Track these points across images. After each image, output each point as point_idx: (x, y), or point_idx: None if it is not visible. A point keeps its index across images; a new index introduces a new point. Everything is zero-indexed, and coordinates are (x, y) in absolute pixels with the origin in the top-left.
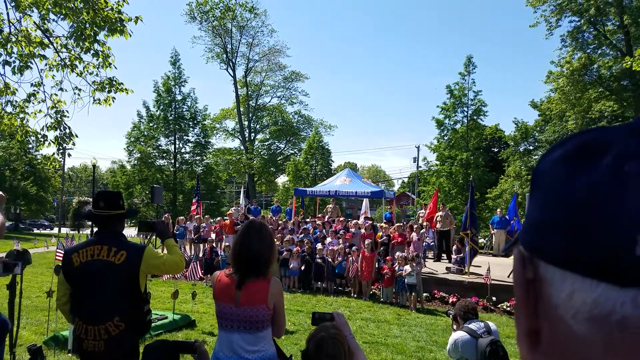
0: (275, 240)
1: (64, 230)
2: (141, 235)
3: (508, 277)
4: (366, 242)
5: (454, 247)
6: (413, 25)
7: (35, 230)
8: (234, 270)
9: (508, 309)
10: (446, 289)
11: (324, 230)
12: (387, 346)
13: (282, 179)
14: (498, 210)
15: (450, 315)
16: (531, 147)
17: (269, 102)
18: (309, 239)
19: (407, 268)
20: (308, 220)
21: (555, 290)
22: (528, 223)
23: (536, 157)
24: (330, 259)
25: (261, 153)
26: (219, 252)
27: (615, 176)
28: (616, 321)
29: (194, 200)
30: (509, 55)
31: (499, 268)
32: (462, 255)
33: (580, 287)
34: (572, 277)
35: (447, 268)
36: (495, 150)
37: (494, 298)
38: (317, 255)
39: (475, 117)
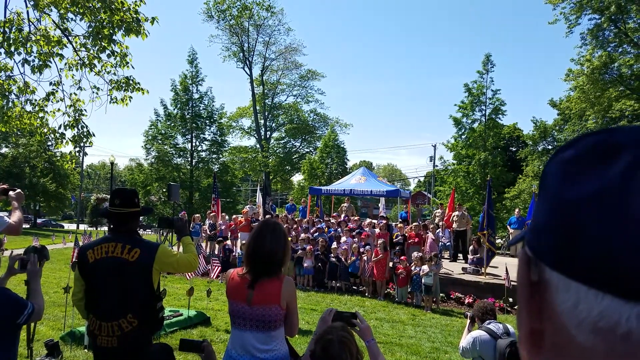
0: (290, 238)
1: (82, 226)
2: (159, 232)
3: None
4: (379, 241)
5: (471, 248)
6: (430, 23)
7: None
8: (247, 269)
9: None
10: (462, 290)
11: (338, 229)
12: (401, 346)
13: (297, 178)
14: (516, 210)
15: (468, 317)
16: (550, 147)
17: (285, 100)
18: (323, 237)
19: (425, 268)
20: (323, 219)
21: (560, 297)
22: (533, 224)
23: None
24: (343, 258)
25: (277, 151)
26: (233, 250)
27: (625, 184)
28: (621, 334)
29: (213, 198)
30: (528, 54)
31: (516, 269)
32: (478, 255)
33: (585, 297)
34: (577, 286)
35: (463, 268)
36: (514, 149)
37: (510, 299)
38: (332, 254)
39: (493, 116)
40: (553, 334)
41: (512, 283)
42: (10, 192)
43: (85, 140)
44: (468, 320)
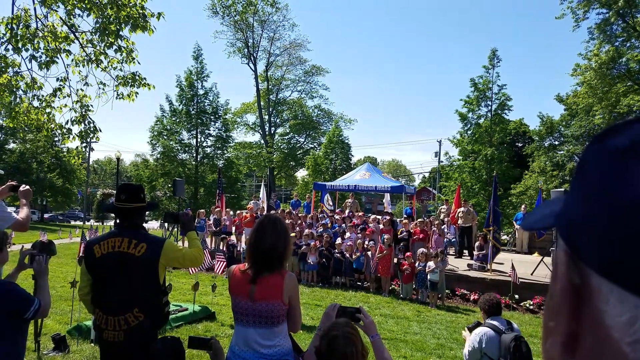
0: (294, 234)
1: (88, 222)
2: (164, 227)
3: (531, 274)
4: (385, 237)
5: (477, 244)
6: (436, 18)
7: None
8: (248, 264)
9: (531, 307)
10: (467, 286)
11: (343, 225)
12: (406, 343)
13: (301, 173)
14: (522, 206)
15: (467, 329)
16: (556, 142)
17: (290, 96)
18: (328, 233)
19: (431, 264)
20: (329, 213)
21: (611, 309)
22: (572, 219)
23: (561, 152)
24: (348, 254)
25: (281, 147)
26: (236, 245)
27: None
28: None
29: (217, 194)
30: (535, 49)
31: (522, 265)
32: (484, 252)
33: None
34: (636, 300)
35: (468, 265)
36: (520, 145)
37: (516, 296)
38: (336, 250)
39: (499, 112)
40: (594, 343)
41: (520, 280)
42: (19, 189)
43: (91, 135)
44: (467, 333)
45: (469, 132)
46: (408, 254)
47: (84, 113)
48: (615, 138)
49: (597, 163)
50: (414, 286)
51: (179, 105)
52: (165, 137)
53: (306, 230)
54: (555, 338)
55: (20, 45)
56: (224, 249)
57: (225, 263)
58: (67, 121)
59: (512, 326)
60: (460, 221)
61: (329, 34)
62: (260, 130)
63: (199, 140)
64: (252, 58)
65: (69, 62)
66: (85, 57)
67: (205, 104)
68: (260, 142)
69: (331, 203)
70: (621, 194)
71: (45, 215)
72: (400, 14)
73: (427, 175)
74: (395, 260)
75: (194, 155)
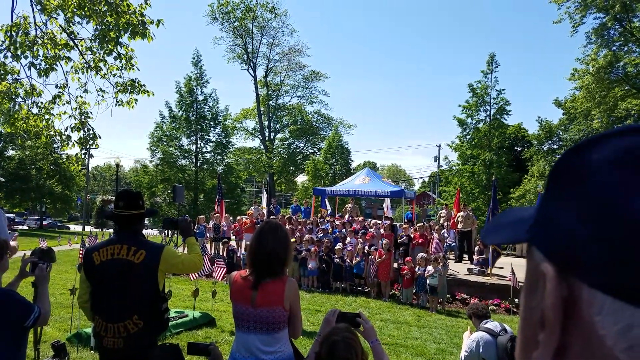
0: (294, 239)
1: (87, 228)
2: (164, 233)
3: None
4: (383, 242)
5: (476, 248)
6: (434, 23)
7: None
8: (250, 270)
9: None
10: (467, 291)
11: (343, 230)
12: (407, 348)
13: (301, 178)
14: None
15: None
16: (555, 147)
17: (289, 101)
18: (328, 238)
19: (430, 269)
20: (328, 219)
21: (604, 318)
22: (559, 230)
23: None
24: (348, 259)
25: (281, 152)
26: (236, 251)
27: None
28: None
29: (217, 200)
30: (533, 53)
31: (522, 269)
32: (484, 256)
33: None
34: (632, 309)
35: (468, 269)
36: (519, 149)
37: (516, 300)
38: (336, 255)
39: (498, 116)
40: (585, 351)
41: (520, 284)
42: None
43: (91, 142)
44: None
45: (468, 137)
46: (408, 258)
47: (83, 120)
48: (611, 148)
49: (592, 172)
50: (414, 291)
51: (179, 111)
52: (164, 143)
53: (306, 236)
54: (545, 350)
55: (19, 52)
56: (224, 254)
57: (225, 269)
58: (67, 128)
59: (505, 328)
60: (460, 225)
61: (328, 39)
62: (259, 136)
63: (198, 146)
64: (251, 64)
65: (68, 69)
66: (85, 64)
67: (205, 109)
68: (260, 147)
69: (329, 207)
70: (625, 208)
71: (45, 222)
72: (399, 18)
73: (426, 179)
74: (396, 265)
75: (194, 161)
